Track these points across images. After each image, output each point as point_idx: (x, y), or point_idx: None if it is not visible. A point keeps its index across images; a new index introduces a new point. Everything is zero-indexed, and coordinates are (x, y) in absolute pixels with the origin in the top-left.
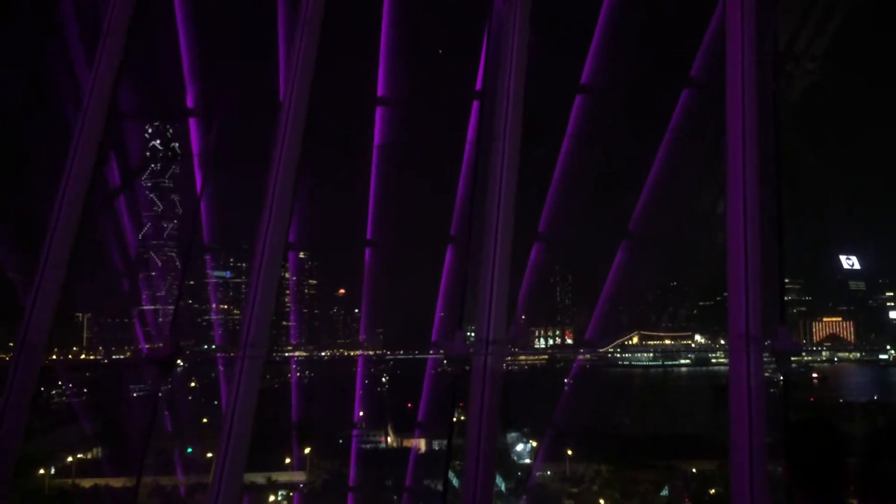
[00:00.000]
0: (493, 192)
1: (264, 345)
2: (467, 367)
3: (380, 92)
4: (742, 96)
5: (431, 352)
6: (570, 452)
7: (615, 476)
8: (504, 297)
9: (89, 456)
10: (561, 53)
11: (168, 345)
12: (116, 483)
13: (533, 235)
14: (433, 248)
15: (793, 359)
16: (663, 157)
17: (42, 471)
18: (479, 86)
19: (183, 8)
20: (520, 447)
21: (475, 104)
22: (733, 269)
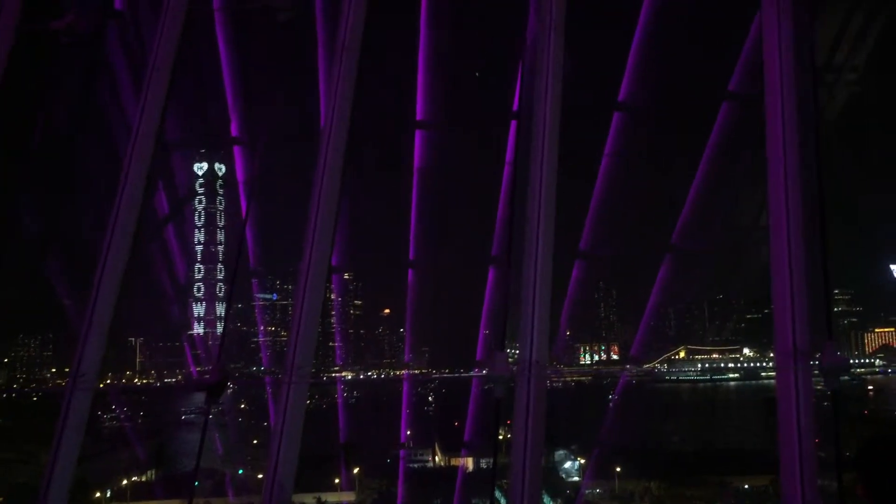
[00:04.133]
0: (531, 212)
1: (310, 368)
2: (511, 385)
3: (418, 116)
4: (781, 108)
5: (476, 371)
6: (618, 469)
7: (665, 493)
8: (546, 318)
9: (143, 479)
10: (598, 71)
11: (215, 371)
12: None
13: (576, 253)
14: (477, 267)
15: (844, 372)
16: (705, 170)
17: (98, 494)
18: (515, 106)
19: (226, 39)
20: (568, 464)
21: (513, 124)
22: (778, 283)
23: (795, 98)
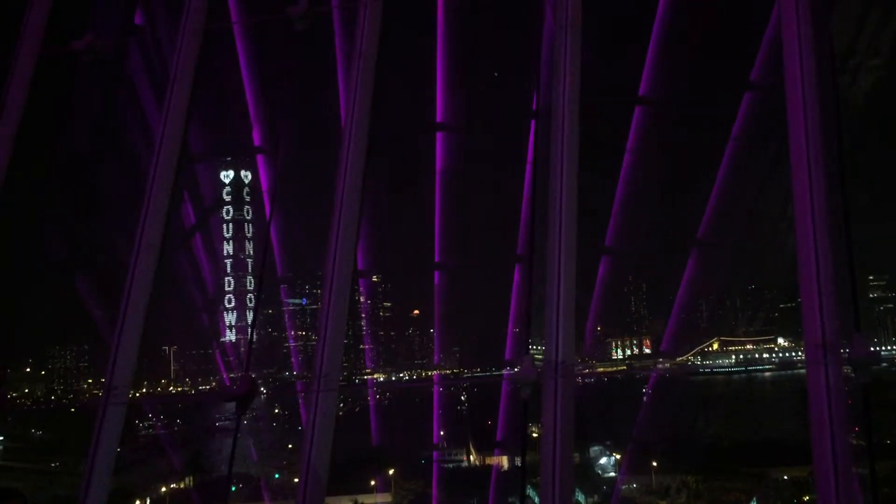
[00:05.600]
0: (552, 211)
1: (337, 375)
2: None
3: (438, 118)
4: (802, 98)
5: (506, 370)
6: (654, 464)
7: (703, 486)
8: (571, 317)
9: (181, 486)
10: (618, 67)
11: (244, 381)
12: None
13: (602, 249)
14: (506, 265)
15: (874, 364)
16: (729, 161)
17: (138, 502)
18: (535, 104)
19: (245, 51)
20: (603, 460)
21: (532, 123)
22: (805, 276)
23: (816, 87)
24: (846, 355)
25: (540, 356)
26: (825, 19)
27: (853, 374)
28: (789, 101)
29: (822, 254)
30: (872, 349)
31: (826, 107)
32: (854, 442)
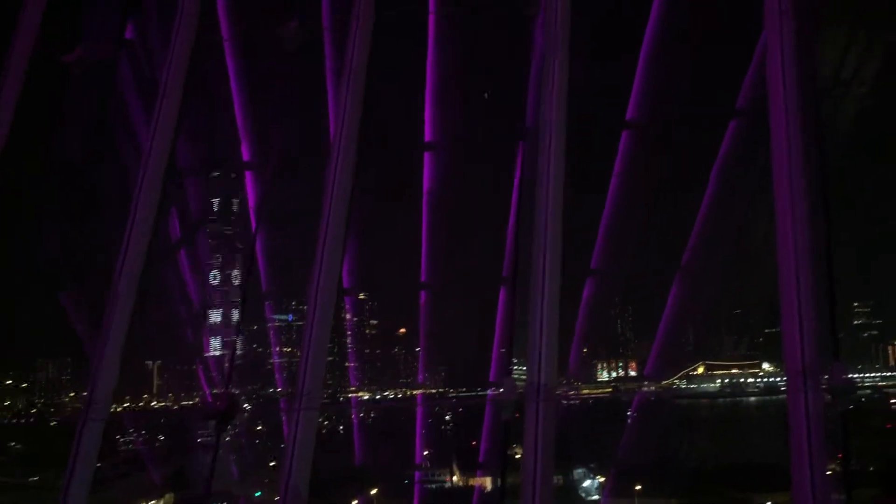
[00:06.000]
0: (537, 233)
1: (319, 394)
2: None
3: (427, 137)
4: (786, 124)
5: (490, 391)
6: (638, 487)
7: None
8: (554, 341)
9: (162, 502)
10: (606, 91)
11: (224, 399)
12: None
13: (589, 271)
14: (493, 286)
15: (852, 392)
16: (714, 186)
17: None
18: (524, 126)
19: (235, 65)
20: (587, 483)
21: (521, 145)
22: (786, 304)
23: (799, 114)
24: (826, 383)
25: (525, 377)
26: (810, 48)
27: (832, 402)
28: (773, 129)
29: (803, 282)
30: (851, 377)
31: (809, 134)
32: (835, 468)
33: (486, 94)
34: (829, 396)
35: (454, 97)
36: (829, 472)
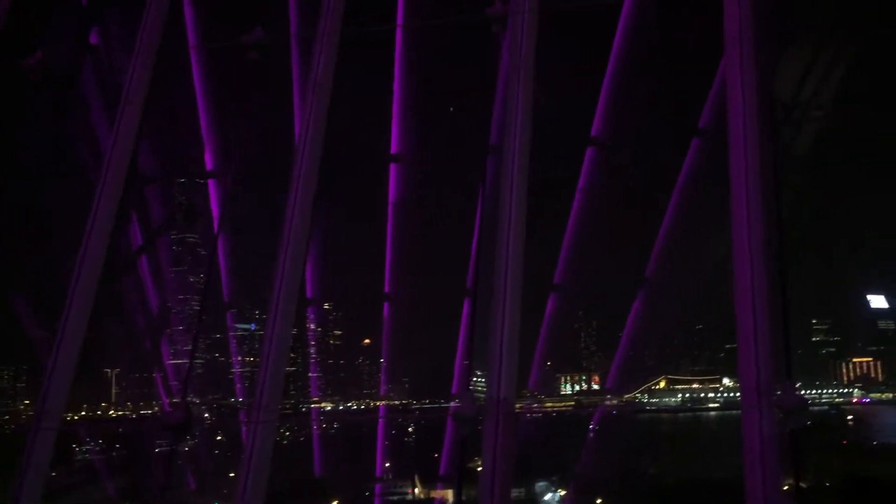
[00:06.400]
0: (500, 247)
1: (277, 406)
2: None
3: (393, 149)
4: (744, 146)
5: (453, 403)
6: (598, 501)
7: None
8: (514, 354)
9: None
10: (571, 108)
11: (180, 410)
12: None
13: (551, 286)
14: (458, 298)
15: (804, 411)
16: (677, 203)
17: None
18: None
19: (200, 73)
20: (548, 496)
21: (488, 159)
22: (742, 323)
23: (758, 136)
24: (776, 402)
25: (484, 390)
26: (768, 72)
27: (784, 420)
28: (732, 150)
29: (759, 301)
30: (804, 395)
31: (768, 156)
32: (791, 483)
33: (450, 109)
34: (782, 415)
35: (422, 110)
36: (785, 488)
